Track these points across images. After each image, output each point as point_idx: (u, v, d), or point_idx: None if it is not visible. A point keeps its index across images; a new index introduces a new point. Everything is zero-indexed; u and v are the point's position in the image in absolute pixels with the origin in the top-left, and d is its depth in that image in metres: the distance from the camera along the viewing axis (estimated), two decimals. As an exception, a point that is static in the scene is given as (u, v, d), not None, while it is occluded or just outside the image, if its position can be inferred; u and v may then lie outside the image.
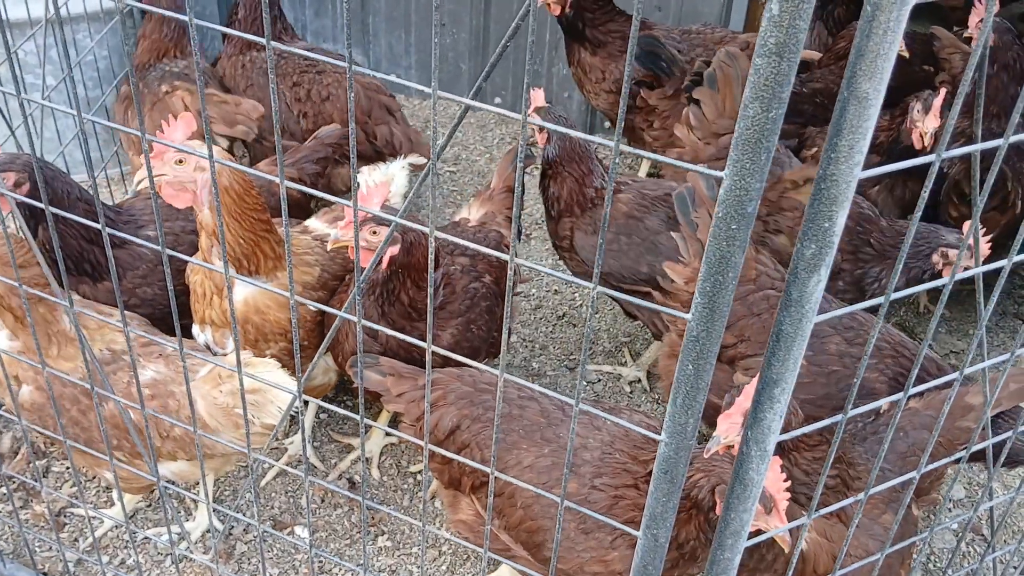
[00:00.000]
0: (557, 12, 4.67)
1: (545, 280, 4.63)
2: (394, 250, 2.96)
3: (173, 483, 3.02)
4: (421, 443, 1.97)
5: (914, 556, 2.89)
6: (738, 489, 1.67)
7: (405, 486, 3.60)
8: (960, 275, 1.61)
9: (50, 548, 3.27)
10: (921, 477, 2.76)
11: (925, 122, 3.78)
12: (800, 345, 1.47)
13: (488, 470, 1.84)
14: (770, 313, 3.16)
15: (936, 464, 1.98)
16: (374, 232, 2.90)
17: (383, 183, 2.90)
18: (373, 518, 3.46)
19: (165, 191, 2.88)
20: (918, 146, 3.82)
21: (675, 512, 1.74)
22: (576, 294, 4.58)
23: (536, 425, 2.78)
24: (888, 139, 4.00)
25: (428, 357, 1.73)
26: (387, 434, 3.74)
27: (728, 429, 2.42)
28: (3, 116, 3.41)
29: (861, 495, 1.86)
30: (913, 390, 1.72)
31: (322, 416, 3.83)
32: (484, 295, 3.39)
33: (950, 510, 3.58)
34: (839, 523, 2.66)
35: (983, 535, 3.60)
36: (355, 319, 1.74)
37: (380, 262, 2.96)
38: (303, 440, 2.28)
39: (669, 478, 1.65)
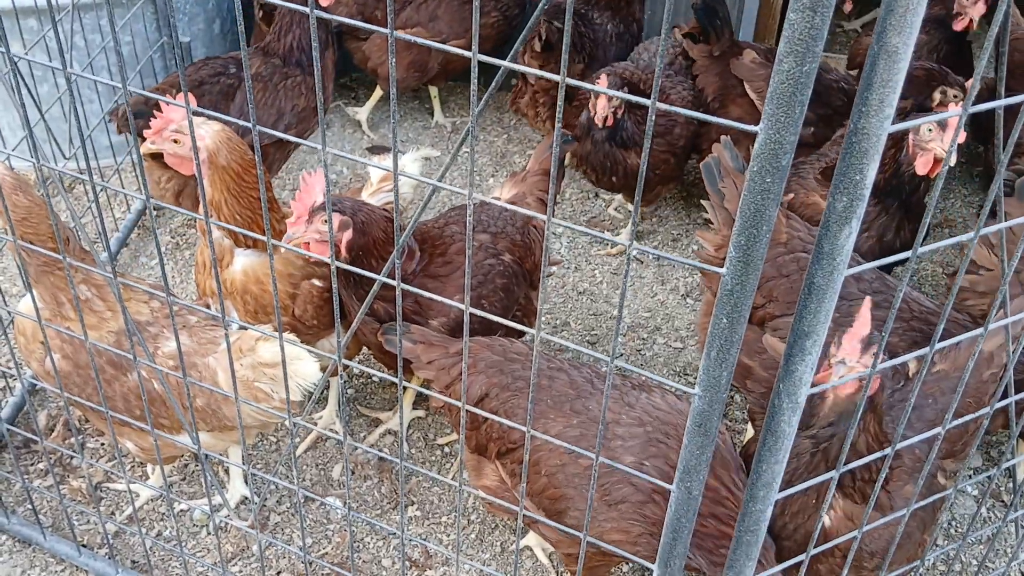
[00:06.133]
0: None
1: (564, 258, 4.68)
2: (348, 235, 2.97)
3: (207, 454, 3.09)
4: (452, 402, 2.04)
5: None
6: (769, 441, 1.72)
7: (433, 458, 3.66)
8: (985, 230, 1.65)
9: (88, 521, 3.36)
10: (952, 437, 2.79)
11: (942, 140, 3.17)
12: (832, 298, 1.51)
13: (524, 428, 1.89)
14: (799, 275, 3.19)
15: (963, 420, 2.02)
16: (325, 222, 2.83)
17: (319, 172, 2.91)
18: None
19: (170, 159, 3.04)
20: (927, 171, 3.29)
21: (708, 466, 1.79)
22: (596, 270, 4.63)
23: (565, 396, 2.82)
24: (885, 178, 3.42)
25: (466, 319, 1.78)
26: (414, 408, 3.81)
27: (853, 351, 2.26)
28: (33, 100, 3.47)
29: (888, 450, 1.91)
30: (939, 344, 1.76)
31: (348, 391, 3.90)
32: (501, 273, 3.40)
33: (969, 477, 3.62)
34: (864, 506, 2.69)
35: (1003, 500, 3.64)
36: (393, 283, 1.79)
37: (338, 251, 2.96)
38: (343, 405, 2.34)
39: (703, 431, 1.70)
